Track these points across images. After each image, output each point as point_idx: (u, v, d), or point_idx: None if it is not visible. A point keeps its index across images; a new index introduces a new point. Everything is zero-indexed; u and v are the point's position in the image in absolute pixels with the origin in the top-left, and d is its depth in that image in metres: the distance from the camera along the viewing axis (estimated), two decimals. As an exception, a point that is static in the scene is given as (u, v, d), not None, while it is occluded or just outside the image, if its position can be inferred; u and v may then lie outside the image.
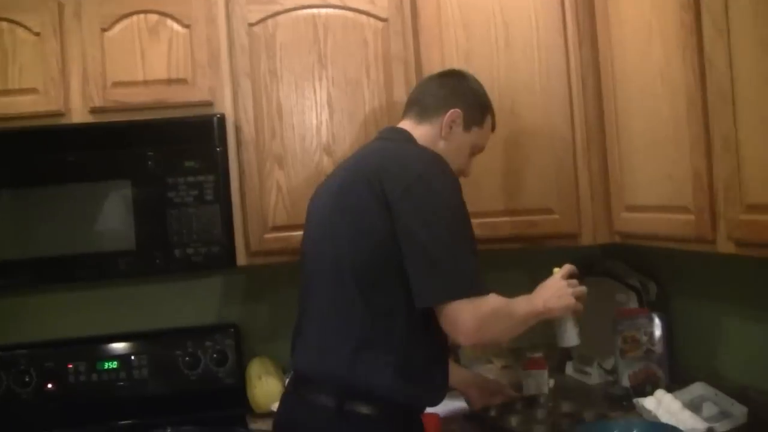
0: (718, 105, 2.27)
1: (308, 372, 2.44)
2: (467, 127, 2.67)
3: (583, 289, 2.64)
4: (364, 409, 2.32)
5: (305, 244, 2.63)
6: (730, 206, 2.25)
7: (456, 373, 2.92)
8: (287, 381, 3.21)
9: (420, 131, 2.62)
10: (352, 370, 2.32)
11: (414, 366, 2.35)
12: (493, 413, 2.98)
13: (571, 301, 2.57)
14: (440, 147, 2.60)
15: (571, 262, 3.78)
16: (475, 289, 2.30)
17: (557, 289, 2.59)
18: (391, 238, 2.31)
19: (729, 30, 2.18)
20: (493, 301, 2.34)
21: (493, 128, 2.80)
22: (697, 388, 2.98)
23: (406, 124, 2.66)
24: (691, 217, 2.44)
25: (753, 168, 2.14)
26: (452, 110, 2.62)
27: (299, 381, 2.47)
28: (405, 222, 2.30)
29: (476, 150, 2.76)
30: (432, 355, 2.44)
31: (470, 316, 2.27)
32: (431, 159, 2.45)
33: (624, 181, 2.87)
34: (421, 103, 2.67)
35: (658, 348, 3.24)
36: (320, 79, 3.22)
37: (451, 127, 2.63)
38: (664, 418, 2.77)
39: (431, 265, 2.28)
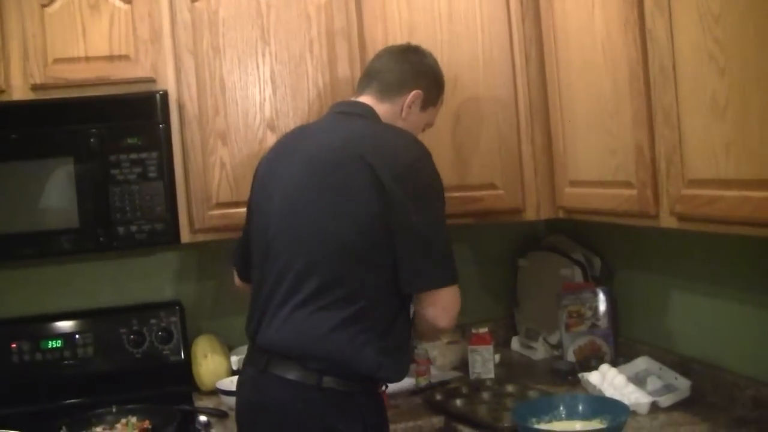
0: (659, 79, 2.29)
1: (283, 350, 2.38)
2: (424, 107, 2.70)
3: None
4: (342, 386, 2.33)
5: (264, 217, 2.55)
6: (671, 181, 2.28)
7: None
8: (239, 359, 3.23)
9: (381, 109, 2.61)
10: (333, 348, 2.32)
11: (391, 344, 2.39)
12: (439, 397, 3.00)
13: None
14: (398, 126, 2.61)
15: (516, 236, 3.85)
16: (456, 277, 2.42)
17: None
18: (382, 222, 2.32)
19: (670, 6, 2.21)
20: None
21: (441, 104, 2.83)
22: (642, 363, 3.03)
23: (367, 99, 2.64)
24: (634, 192, 2.46)
25: (693, 143, 2.17)
26: (414, 91, 2.64)
27: (270, 360, 2.40)
28: (400, 208, 2.32)
29: (427, 127, 2.80)
30: (405, 333, 2.49)
31: (456, 302, 2.42)
32: (420, 146, 2.47)
33: (567, 155, 2.88)
34: (381, 79, 2.66)
35: (603, 322, 3.28)
36: (263, 55, 3.20)
37: (411, 107, 2.64)
38: (609, 392, 2.81)
39: (428, 252, 2.35)
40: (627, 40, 2.43)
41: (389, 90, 2.63)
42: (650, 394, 2.79)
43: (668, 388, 2.84)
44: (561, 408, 2.61)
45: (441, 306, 2.40)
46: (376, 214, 2.32)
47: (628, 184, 2.50)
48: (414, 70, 2.67)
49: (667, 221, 2.35)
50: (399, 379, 2.51)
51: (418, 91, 2.64)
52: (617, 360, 3.20)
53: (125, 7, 3.10)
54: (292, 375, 2.34)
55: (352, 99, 2.70)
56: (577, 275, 3.45)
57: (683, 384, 2.81)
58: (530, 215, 3.05)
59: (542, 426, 2.53)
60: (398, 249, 2.33)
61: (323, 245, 2.36)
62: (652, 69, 2.33)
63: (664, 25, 2.23)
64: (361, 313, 2.33)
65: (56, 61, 3.04)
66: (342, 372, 2.33)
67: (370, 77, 2.69)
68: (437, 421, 2.90)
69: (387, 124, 2.59)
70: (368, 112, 2.59)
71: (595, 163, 2.71)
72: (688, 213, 2.24)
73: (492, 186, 3.07)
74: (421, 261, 2.35)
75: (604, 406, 2.58)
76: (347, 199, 2.36)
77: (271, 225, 2.50)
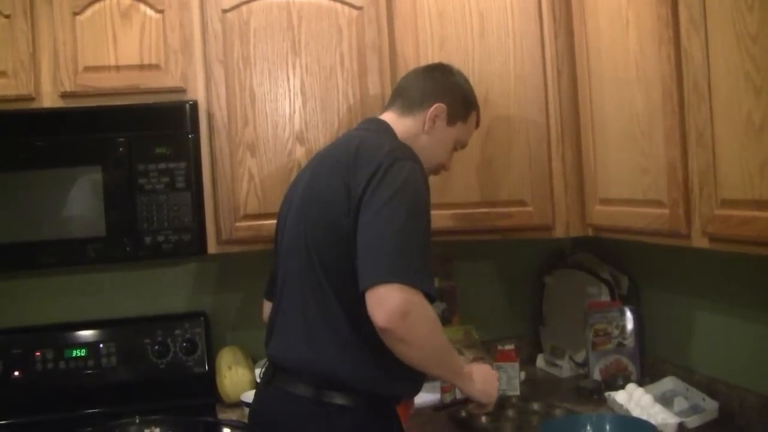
0: (693, 99, 2.27)
1: (283, 363, 2.40)
2: (451, 121, 2.65)
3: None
4: (340, 400, 2.28)
5: (279, 235, 2.59)
6: (704, 201, 2.26)
7: None
8: (260, 372, 3.22)
9: (402, 124, 2.59)
10: (329, 361, 2.29)
11: (392, 358, 2.24)
12: (464, 414, 2.97)
13: (493, 398, 2.54)
14: (422, 141, 2.60)
15: (543, 253, 3.83)
16: (416, 281, 2.16)
17: (490, 380, 2.56)
18: (354, 230, 2.26)
19: (706, 24, 2.19)
20: (428, 305, 2.20)
21: (477, 124, 2.80)
22: (668, 383, 3.01)
23: (387, 116, 2.63)
24: (666, 211, 2.44)
25: (727, 163, 2.14)
26: (436, 104, 2.60)
27: (274, 372, 2.43)
28: (363, 211, 2.24)
29: (459, 145, 2.75)
30: None
31: (401, 300, 2.12)
32: (401, 152, 2.35)
33: (598, 173, 2.86)
34: (404, 96, 2.65)
35: (630, 341, 3.26)
36: (294, 67, 3.19)
37: (434, 121, 2.61)
38: (635, 412, 2.79)
39: (375, 249, 2.18)
40: (661, 57, 2.41)
41: (411, 105, 2.62)
42: (677, 414, 2.77)
43: (695, 409, 2.82)
44: (588, 427, 2.59)
45: (376, 300, 2.13)
46: (348, 223, 2.27)
47: (659, 203, 2.48)
48: (437, 85, 2.66)
49: (699, 242, 2.33)
50: (408, 395, 2.47)
51: (441, 104, 2.61)
52: (643, 380, 3.17)
53: (156, 16, 3.11)
54: (290, 388, 2.34)
55: (375, 116, 2.70)
56: (604, 293, 3.42)
57: (711, 405, 2.78)
58: (559, 233, 3.02)
59: None
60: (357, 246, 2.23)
61: (310, 259, 2.35)
62: (686, 87, 2.31)
63: (700, 43, 2.21)
64: (357, 327, 2.28)
65: (86, 69, 3.05)
66: (339, 386, 2.29)
67: (396, 94, 2.70)
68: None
69: (380, 133, 2.52)
70: (381, 127, 2.57)
71: (626, 181, 2.69)
72: (720, 234, 2.21)
73: (521, 203, 3.04)
74: (366, 258, 2.18)
75: (630, 426, 2.55)
76: (327, 210, 2.34)
77: (281, 241, 2.55)
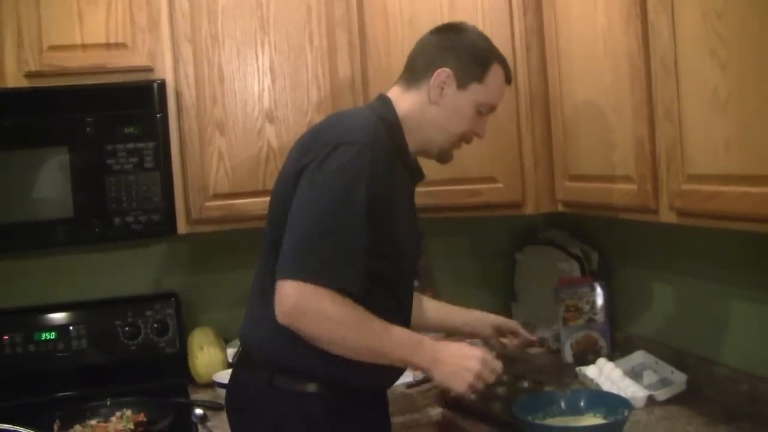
0: (660, 75, 2.29)
1: (244, 345, 2.38)
2: (463, 85, 2.36)
3: (497, 368, 2.28)
4: (297, 386, 2.22)
5: None
6: (672, 176, 2.27)
7: (455, 315, 2.90)
8: (233, 352, 3.23)
9: (407, 99, 2.39)
10: (277, 346, 2.22)
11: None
12: (474, 398, 2.83)
13: (466, 384, 2.21)
14: (432, 113, 2.37)
15: (514, 230, 3.83)
16: (323, 277, 2.06)
17: (465, 364, 2.22)
18: None
19: (672, 1, 2.20)
20: (333, 302, 2.07)
21: (508, 80, 2.48)
22: (638, 357, 3.03)
23: (393, 91, 2.43)
24: (634, 186, 2.46)
25: (694, 138, 2.16)
26: (440, 70, 2.35)
27: (241, 353, 2.42)
28: (296, 195, 2.16)
29: (485, 109, 2.43)
30: None
31: (296, 299, 2.05)
32: (352, 136, 2.17)
33: (568, 149, 2.87)
34: (411, 66, 2.44)
35: (600, 317, 3.27)
36: (262, 45, 3.17)
37: (441, 89, 2.36)
38: (606, 386, 2.81)
39: (289, 239, 2.11)
40: (629, 33, 2.42)
41: (416, 75, 2.39)
42: (646, 387, 2.79)
43: (664, 382, 2.84)
44: (562, 403, 2.59)
45: (278, 294, 2.07)
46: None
47: (628, 179, 2.49)
48: (442, 48, 2.39)
49: (667, 216, 2.35)
50: (377, 384, 2.39)
51: (445, 69, 2.34)
52: (614, 354, 3.19)
53: (123, -6, 3.07)
54: (250, 370, 2.30)
55: (383, 93, 2.47)
56: (575, 269, 3.45)
57: (679, 378, 2.80)
58: (530, 209, 3.04)
59: (546, 422, 2.52)
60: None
61: (268, 240, 2.30)
62: (653, 63, 2.32)
63: (667, 19, 2.22)
64: None
65: (51, 48, 3.00)
66: (291, 371, 2.22)
67: (407, 64, 2.47)
68: (435, 414, 2.89)
69: (354, 111, 2.44)
70: (377, 105, 2.39)
71: (595, 156, 2.70)
72: (687, 208, 2.23)
73: (491, 179, 3.05)
74: (283, 247, 2.12)
75: (605, 401, 2.56)
76: (282, 189, 2.26)
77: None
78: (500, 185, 3.05)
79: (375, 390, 2.40)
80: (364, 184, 2.12)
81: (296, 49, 3.21)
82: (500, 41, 2.94)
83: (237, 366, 2.44)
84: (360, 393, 2.30)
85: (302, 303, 2.05)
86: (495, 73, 2.41)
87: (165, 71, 3.11)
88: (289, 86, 3.21)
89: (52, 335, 3.30)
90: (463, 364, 2.20)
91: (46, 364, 3.28)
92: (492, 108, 2.46)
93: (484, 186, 3.06)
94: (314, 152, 2.16)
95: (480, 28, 2.95)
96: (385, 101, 2.39)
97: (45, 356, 3.28)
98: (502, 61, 2.45)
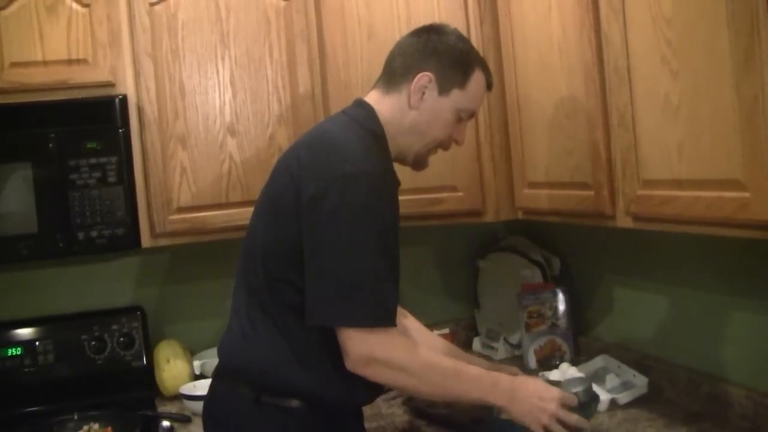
0: (614, 81, 2.32)
1: (224, 359, 2.34)
2: (444, 90, 2.29)
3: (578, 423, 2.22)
4: (282, 402, 2.19)
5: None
6: (627, 182, 2.31)
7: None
8: (199, 364, 3.23)
9: (386, 103, 2.32)
10: (267, 367, 2.21)
11: (333, 364, 2.16)
12: (422, 403, 2.91)
13: (541, 425, 2.17)
14: (411, 118, 2.30)
15: (476, 237, 3.85)
16: (378, 319, 2.06)
17: (542, 405, 2.18)
18: (298, 235, 2.13)
19: (624, 9, 2.25)
20: (403, 351, 2.10)
21: (489, 87, 2.43)
22: (600, 361, 3.06)
23: (371, 96, 2.36)
24: (591, 192, 2.49)
25: (648, 143, 2.20)
26: (420, 74, 2.27)
27: (219, 366, 2.37)
28: (310, 229, 2.09)
29: (465, 115, 2.36)
30: None
31: (359, 349, 2.06)
32: (354, 164, 2.11)
33: (525, 157, 2.89)
34: (389, 69, 2.35)
35: (563, 322, 3.31)
36: (223, 59, 3.19)
37: (422, 93, 2.29)
38: (567, 389, 2.83)
39: (328, 283, 2.06)
40: (582, 42, 2.46)
41: (396, 78, 2.32)
42: (609, 391, 2.83)
43: (626, 386, 2.88)
44: None
45: (342, 346, 2.09)
46: (294, 227, 2.13)
47: (585, 185, 2.52)
48: (423, 51, 2.31)
49: (624, 221, 2.38)
50: (356, 401, 2.36)
51: (426, 73, 2.27)
52: (578, 359, 3.23)
53: (83, 10, 3.07)
54: (233, 386, 2.27)
55: (361, 98, 2.40)
56: (537, 275, 3.48)
57: (641, 381, 2.85)
58: (490, 217, 3.05)
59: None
60: (305, 272, 2.11)
61: (253, 256, 2.26)
62: (607, 70, 2.36)
63: (619, 27, 2.27)
64: (291, 328, 2.18)
65: (13, 65, 3.00)
66: (277, 389, 2.20)
67: (384, 68, 2.39)
68: (400, 421, 2.90)
69: (354, 125, 2.27)
70: (358, 113, 2.31)
71: (552, 164, 2.73)
72: (643, 213, 2.27)
73: (452, 188, 3.08)
74: (318, 291, 2.08)
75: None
76: (275, 208, 2.21)
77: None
78: (460, 194, 3.07)
79: (355, 405, 2.41)
80: (385, 206, 2.14)
81: (256, 62, 3.23)
82: None
83: (217, 380, 2.37)
84: (341, 408, 2.31)
85: (367, 353, 2.06)
86: (476, 79, 2.35)
87: (126, 86, 3.12)
88: (250, 99, 3.22)
89: (18, 351, 3.29)
90: (540, 405, 2.17)
91: (13, 380, 3.27)
92: (472, 114, 2.40)
93: (445, 195, 3.09)
94: (323, 183, 2.08)
95: None
96: (367, 109, 2.32)
97: (11, 372, 3.27)
98: (484, 67, 2.39)
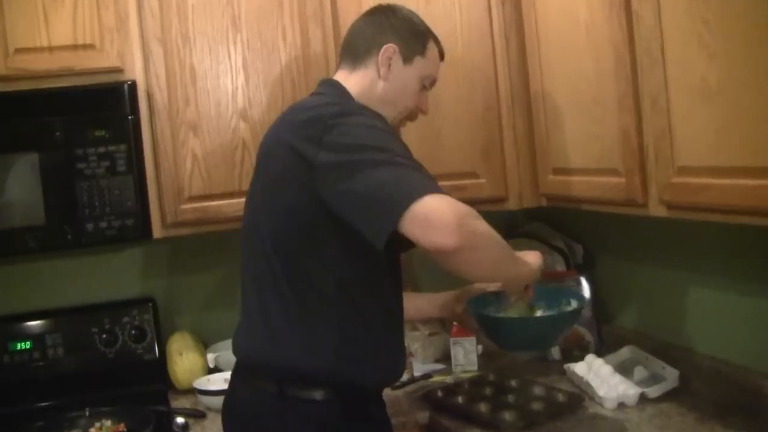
0: (646, 64, 2.25)
1: (242, 356, 2.31)
2: (408, 59, 2.42)
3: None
4: (307, 394, 2.17)
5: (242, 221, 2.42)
6: (660, 169, 2.23)
7: (432, 301, 2.76)
8: (213, 357, 3.18)
9: (355, 79, 2.40)
10: (283, 354, 2.18)
11: (356, 343, 2.18)
12: (461, 399, 2.87)
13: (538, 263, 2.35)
14: (380, 89, 2.39)
15: (495, 223, 3.76)
16: (436, 189, 1.95)
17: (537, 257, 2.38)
18: (312, 200, 2.08)
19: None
20: (466, 205, 1.98)
21: (441, 57, 2.54)
22: (627, 352, 3.00)
23: (338, 75, 2.45)
24: (621, 179, 2.42)
25: (683, 129, 2.12)
26: (386, 46, 2.39)
27: (238, 364, 2.34)
28: (330, 172, 2.03)
29: (428, 82, 2.49)
30: (379, 328, 2.26)
31: (447, 206, 1.91)
32: (345, 103, 2.26)
33: (550, 142, 2.84)
34: (350, 49, 2.46)
35: (586, 311, 3.21)
36: (234, 43, 3.10)
37: (388, 65, 2.39)
38: (595, 382, 2.78)
39: (372, 191, 1.96)
40: (612, 22, 2.38)
41: (360, 55, 2.42)
42: (638, 384, 2.76)
43: (656, 378, 2.81)
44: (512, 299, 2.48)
45: (419, 220, 1.89)
46: (304, 191, 2.09)
47: (614, 172, 2.45)
48: (382, 26, 2.43)
49: (656, 210, 2.31)
50: (384, 382, 2.37)
51: (391, 44, 2.39)
52: (601, 349, 3.15)
53: (89, -7, 2.99)
54: (254, 381, 2.24)
55: (327, 78, 2.52)
56: (559, 263, 3.39)
57: (671, 374, 2.76)
58: (513, 204, 3.00)
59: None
60: (347, 216, 2.02)
61: (261, 241, 2.22)
62: (638, 53, 2.28)
63: (652, 6, 2.18)
64: (310, 312, 2.17)
65: (17, 51, 2.92)
66: (301, 380, 2.17)
67: (343, 51, 2.51)
68: (421, 417, 2.84)
69: (322, 94, 2.37)
70: (327, 88, 2.40)
71: (578, 149, 2.66)
72: (678, 201, 2.20)
73: (473, 174, 3.02)
74: (370, 204, 1.96)
75: (555, 295, 2.54)
76: (275, 185, 2.18)
77: (242, 228, 2.39)
78: (483, 180, 3.01)
79: (380, 387, 2.38)
80: (382, 125, 2.14)
81: (269, 46, 3.14)
82: (478, 33, 2.98)
83: (237, 379, 2.35)
84: (365, 393, 2.28)
85: (454, 208, 1.91)
86: (433, 47, 2.49)
87: (135, 72, 3.03)
88: (263, 84, 3.14)
89: (27, 345, 3.23)
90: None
91: (22, 375, 3.20)
92: (434, 82, 2.52)
93: (467, 182, 3.02)
94: (315, 131, 2.07)
95: (458, 20, 2.99)
96: (335, 85, 2.40)
97: (20, 366, 3.21)
98: (435, 37, 2.51)
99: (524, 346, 2.70)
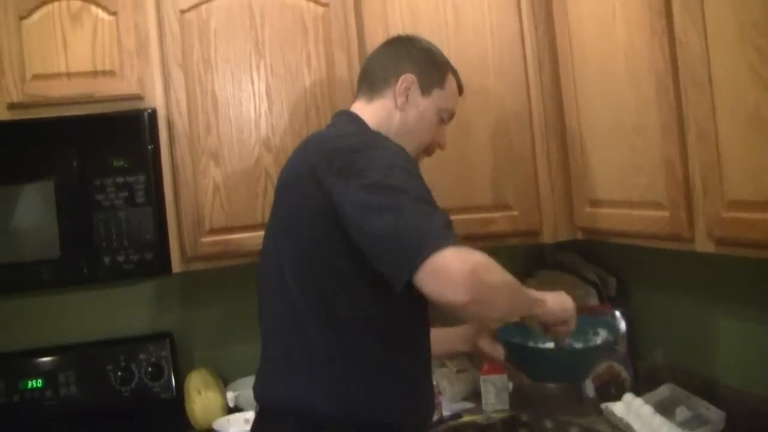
0: (692, 92, 2.16)
1: (264, 401, 2.22)
2: (426, 91, 2.38)
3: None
4: None
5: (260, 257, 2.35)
6: (709, 202, 2.14)
7: (455, 336, 2.61)
8: (237, 396, 3.11)
9: (372, 109, 2.36)
10: (308, 400, 2.09)
11: (386, 386, 2.12)
12: None
13: (569, 311, 2.26)
14: (397, 120, 2.35)
15: (524, 253, 3.67)
16: (451, 240, 1.88)
17: (562, 299, 2.29)
18: (335, 234, 2.03)
19: (703, 13, 2.07)
20: (481, 254, 1.90)
21: (460, 90, 2.51)
22: (666, 390, 2.90)
23: (356, 106, 2.41)
24: (665, 213, 2.33)
25: (733, 161, 2.03)
26: (404, 76, 2.35)
27: (261, 409, 2.25)
28: (348, 205, 1.98)
29: (446, 116, 2.46)
30: (409, 368, 2.19)
31: (459, 261, 1.84)
32: (366, 133, 2.24)
33: (587, 172, 2.75)
34: (368, 79, 2.43)
35: (621, 346, 3.13)
36: (258, 69, 3.03)
37: (406, 96, 2.36)
38: (636, 425, 2.66)
39: (392, 236, 1.90)
40: (653, 49, 2.29)
41: (376, 85, 2.39)
42: (680, 425, 2.63)
43: (700, 420, 2.68)
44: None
45: (433, 274, 1.84)
46: (326, 226, 2.04)
47: (657, 205, 2.36)
48: (400, 56, 2.40)
49: (704, 246, 2.21)
50: (416, 426, 2.26)
51: (409, 75, 2.36)
52: (637, 386, 3.05)
53: (109, 18, 2.93)
54: (277, 428, 2.15)
55: (344, 110, 2.46)
56: (592, 296, 3.29)
57: (716, 415, 2.64)
58: (547, 238, 2.91)
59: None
60: (365, 252, 1.96)
61: (284, 278, 2.14)
62: (683, 80, 2.20)
63: (697, 32, 2.09)
64: (338, 355, 2.09)
65: (35, 77, 2.86)
66: (327, 425, 2.08)
67: (361, 81, 2.47)
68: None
69: (342, 125, 2.34)
70: (346, 119, 2.37)
71: (617, 180, 2.58)
72: (729, 237, 2.09)
73: (505, 206, 2.93)
74: (390, 248, 1.91)
75: (586, 325, 2.42)
76: (298, 219, 2.12)
77: (260, 263, 2.32)
78: (515, 213, 2.92)
79: (412, 430, 2.27)
80: (405, 158, 2.09)
81: (293, 72, 3.07)
82: (511, 59, 2.93)
83: (258, 420, 2.26)
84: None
85: (468, 262, 1.85)
86: (451, 79, 2.46)
87: (155, 99, 2.97)
88: (286, 111, 3.06)
89: (39, 383, 3.14)
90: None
91: (34, 415, 3.12)
92: (452, 115, 2.49)
93: (498, 214, 2.94)
94: (334, 161, 2.04)
95: (489, 45, 2.95)
96: (354, 118, 2.36)
97: (31, 405, 3.13)
98: (454, 70, 2.49)
99: (555, 377, 2.61)
